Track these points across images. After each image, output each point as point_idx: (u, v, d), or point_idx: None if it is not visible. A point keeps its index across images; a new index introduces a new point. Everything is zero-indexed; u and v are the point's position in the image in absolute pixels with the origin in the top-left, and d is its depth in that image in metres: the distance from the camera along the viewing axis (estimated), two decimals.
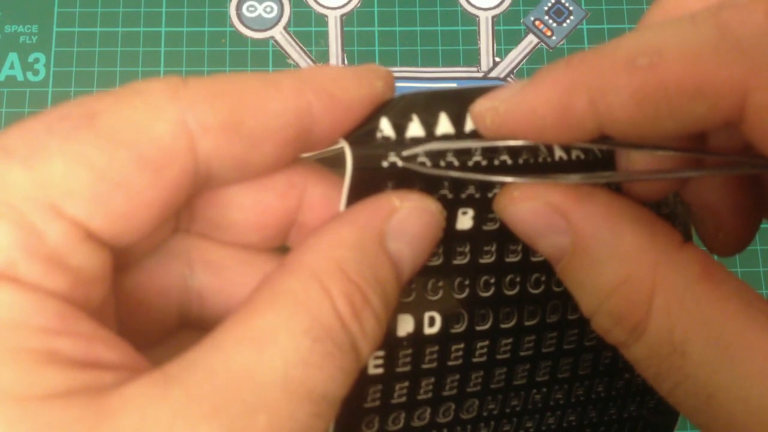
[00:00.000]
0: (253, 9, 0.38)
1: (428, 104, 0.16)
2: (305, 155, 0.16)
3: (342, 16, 0.38)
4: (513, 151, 0.16)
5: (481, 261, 0.17)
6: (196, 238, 0.17)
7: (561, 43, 0.38)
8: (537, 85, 0.15)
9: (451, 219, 0.16)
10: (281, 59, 0.38)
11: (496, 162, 0.16)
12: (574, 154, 0.17)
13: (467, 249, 0.17)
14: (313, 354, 0.13)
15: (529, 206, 0.16)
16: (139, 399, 0.12)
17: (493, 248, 0.17)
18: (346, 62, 0.38)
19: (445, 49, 0.38)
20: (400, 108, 0.16)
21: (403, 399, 0.17)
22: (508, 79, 0.38)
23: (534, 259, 0.17)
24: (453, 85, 0.37)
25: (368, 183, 0.15)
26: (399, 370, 0.17)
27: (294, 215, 0.17)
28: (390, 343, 0.16)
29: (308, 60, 0.38)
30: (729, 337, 0.14)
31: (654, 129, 0.14)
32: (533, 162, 0.16)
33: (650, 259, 0.15)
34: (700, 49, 0.14)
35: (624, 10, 0.38)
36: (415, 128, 0.16)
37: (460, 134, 0.16)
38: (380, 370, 0.16)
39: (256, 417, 0.13)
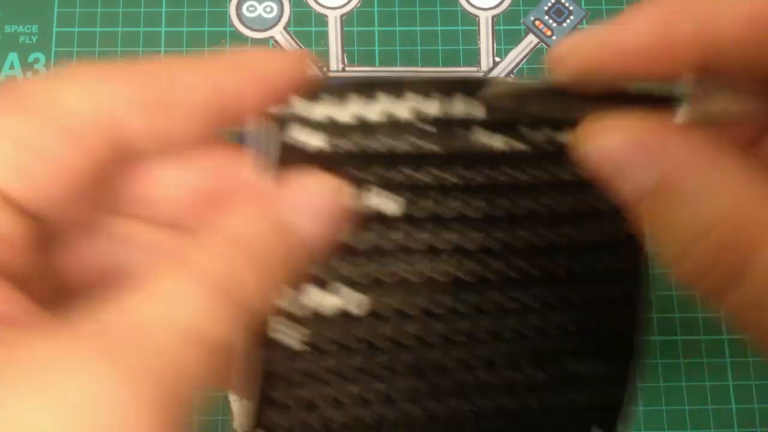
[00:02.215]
0: (253, 9, 0.38)
1: (354, 89, 0.17)
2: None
3: (342, 16, 0.38)
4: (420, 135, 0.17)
5: (417, 237, 0.17)
6: (126, 218, 0.18)
7: None
8: (632, 16, 0.14)
9: (371, 197, 0.17)
10: None
11: (401, 145, 0.17)
12: (513, 146, 0.17)
13: (396, 228, 0.17)
14: (208, 306, 0.14)
15: (616, 139, 0.15)
16: (27, 337, 0.13)
17: (427, 227, 0.17)
18: (346, 62, 0.38)
19: (445, 49, 0.38)
20: (325, 89, 0.17)
21: (331, 374, 0.17)
22: (508, 79, 0.38)
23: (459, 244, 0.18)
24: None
25: (288, 160, 0.16)
26: (324, 346, 0.17)
27: (220, 193, 0.17)
28: (315, 319, 0.17)
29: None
30: None
31: None
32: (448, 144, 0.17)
33: (754, 195, 0.14)
34: None
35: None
36: (331, 109, 0.17)
37: (369, 123, 0.17)
38: (306, 347, 0.17)
39: (147, 357, 0.13)
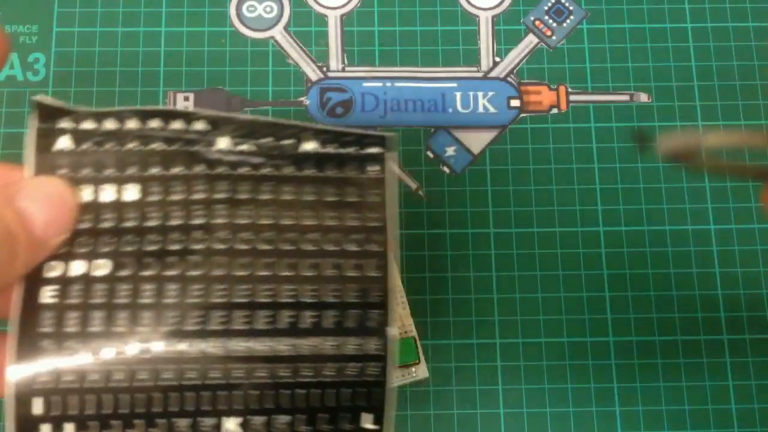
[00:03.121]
0: (253, 9, 0.38)
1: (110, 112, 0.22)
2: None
3: (342, 16, 0.38)
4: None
5: (146, 224, 0.22)
6: None
7: (561, 43, 0.38)
8: None
9: (116, 191, 0.22)
10: (281, 59, 0.38)
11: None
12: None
13: (134, 215, 0.22)
14: None
15: None
16: None
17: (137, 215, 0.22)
18: (345, 62, 0.38)
19: (445, 49, 0.38)
20: (79, 114, 0.22)
21: (77, 328, 0.21)
22: (509, 79, 0.38)
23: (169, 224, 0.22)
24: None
25: (42, 162, 0.21)
26: (70, 301, 0.21)
27: None
28: (63, 280, 0.21)
29: (308, 60, 0.38)
30: None
31: None
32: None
33: None
34: None
35: (624, 10, 0.38)
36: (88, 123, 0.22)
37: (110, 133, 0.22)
38: (55, 300, 0.21)
39: None
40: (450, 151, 0.36)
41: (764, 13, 0.39)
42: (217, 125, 0.22)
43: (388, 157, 0.23)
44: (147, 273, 0.21)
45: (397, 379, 0.33)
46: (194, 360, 0.21)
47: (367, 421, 0.22)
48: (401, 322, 0.33)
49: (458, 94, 0.37)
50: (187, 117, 0.22)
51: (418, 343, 0.33)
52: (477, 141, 0.37)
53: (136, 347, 0.21)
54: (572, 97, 0.37)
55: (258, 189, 0.22)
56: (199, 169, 0.22)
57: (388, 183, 0.22)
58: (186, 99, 0.37)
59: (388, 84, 0.37)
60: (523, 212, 0.36)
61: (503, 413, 0.33)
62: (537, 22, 0.38)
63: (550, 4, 0.39)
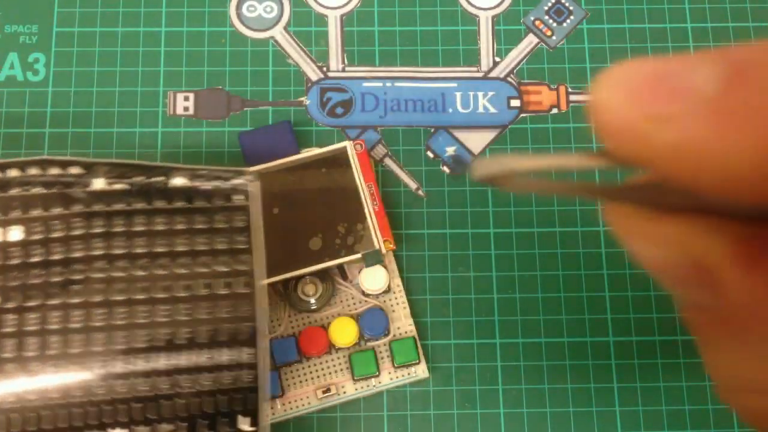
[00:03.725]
0: (253, 9, 0.38)
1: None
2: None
3: (342, 16, 0.38)
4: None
5: (30, 261, 0.24)
6: None
7: (561, 43, 0.38)
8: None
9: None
10: (281, 59, 0.38)
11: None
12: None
13: (18, 254, 0.24)
14: None
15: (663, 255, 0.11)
16: None
17: (39, 247, 0.24)
18: (346, 62, 0.38)
19: (445, 49, 0.38)
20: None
21: None
22: (509, 79, 0.38)
23: (54, 258, 0.24)
24: (438, 86, 0.37)
25: None
26: None
27: None
28: None
29: (308, 60, 0.38)
30: None
31: None
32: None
33: None
34: None
35: (624, 10, 0.38)
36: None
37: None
38: None
39: None
40: (450, 151, 0.36)
41: (764, 13, 0.39)
42: (91, 168, 0.24)
43: (253, 186, 0.25)
44: (31, 303, 0.23)
45: (397, 379, 0.33)
46: (79, 379, 0.23)
47: (244, 424, 0.24)
48: (401, 321, 0.33)
49: (458, 94, 0.37)
50: (63, 163, 0.24)
51: (418, 343, 0.33)
52: (477, 141, 0.37)
53: (24, 372, 0.23)
54: (572, 97, 0.37)
55: (132, 222, 0.24)
56: (77, 208, 0.24)
57: (253, 210, 0.25)
58: (186, 99, 0.37)
59: (388, 84, 0.37)
60: (523, 212, 0.36)
61: (503, 413, 0.33)
62: (537, 22, 0.38)
63: (550, 4, 0.39)
